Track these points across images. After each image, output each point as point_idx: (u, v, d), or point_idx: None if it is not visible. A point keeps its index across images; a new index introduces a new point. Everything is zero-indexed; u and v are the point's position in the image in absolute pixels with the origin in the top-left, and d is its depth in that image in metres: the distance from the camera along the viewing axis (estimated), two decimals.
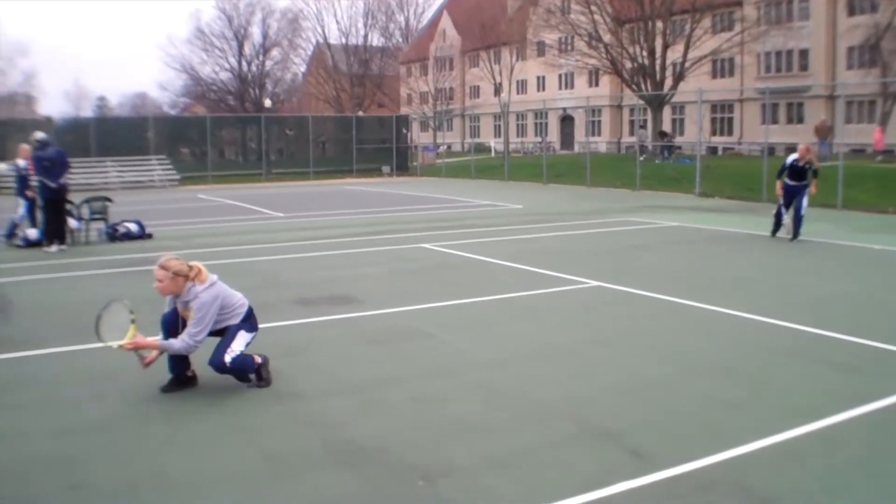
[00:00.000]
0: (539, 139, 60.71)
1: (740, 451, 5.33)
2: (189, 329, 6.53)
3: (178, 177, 40.24)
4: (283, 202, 27.48)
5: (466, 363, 7.59)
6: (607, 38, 46.86)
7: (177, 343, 6.52)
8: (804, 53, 51.44)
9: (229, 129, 53.83)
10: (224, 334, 6.76)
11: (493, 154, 59.75)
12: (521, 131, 72.92)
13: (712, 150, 49.53)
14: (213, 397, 6.65)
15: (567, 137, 68.63)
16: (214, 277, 6.74)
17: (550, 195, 29.14)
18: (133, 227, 17.52)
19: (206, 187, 37.26)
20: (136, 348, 6.48)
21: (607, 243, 15.62)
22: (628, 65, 46.89)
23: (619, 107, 65.09)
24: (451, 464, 5.21)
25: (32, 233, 16.45)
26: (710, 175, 28.56)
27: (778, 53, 52.09)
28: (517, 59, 66.81)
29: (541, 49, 58.59)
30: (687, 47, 44.43)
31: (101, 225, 17.56)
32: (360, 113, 61.71)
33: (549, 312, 9.83)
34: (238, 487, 4.95)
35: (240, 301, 6.91)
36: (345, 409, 6.33)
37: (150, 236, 17.43)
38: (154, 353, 6.61)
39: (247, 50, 78.42)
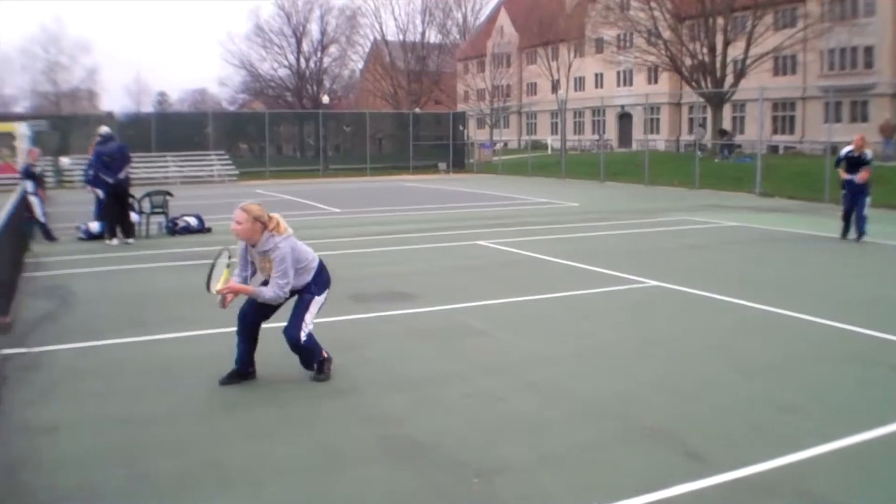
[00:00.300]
0: (596, 136, 60.36)
1: (801, 456, 5.23)
2: (276, 280, 6.58)
3: (236, 172, 40.74)
4: (339, 198, 27.66)
5: (521, 361, 7.57)
6: (667, 34, 46.41)
7: (267, 292, 6.59)
8: (869, 50, 50.36)
9: (287, 126, 54.36)
10: (299, 300, 6.84)
11: (549, 151, 59.55)
12: (579, 129, 72.51)
13: (773, 149, 48.77)
14: (270, 390, 6.73)
15: (625, 135, 68.06)
16: (291, 231, 6.82)
17: (607, 193, 28.95)
18: (192, 221, 17.77)
19: (263, 183, 37.65)
20: (233, 293, 6.63)
21: (665, 242, 15.47)
22: (688, 62, 46.40)
23: (679, 104, 64.40)
24: (505, 461, 5.20)
25: (94, 226, 16.76)
26: (770, 174, 28.13)
27: (842, 50, 51.08)
28: (575, 56, 66.44)
29: (599, 45, 58.23)
30: (748, 44, 43.80)
31: (160, 219, 17.84)
32: (417, 110, 61.87)
33: (605, 311, 9.77)
34: (295, 480, 5.00)
35: (311, 256, 6.99)
36: (400, 404, 6.36)
37: (209, 230, 17.66)
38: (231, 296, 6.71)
39: (305, 47, 78.98)
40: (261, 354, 6.92)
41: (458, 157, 48.02)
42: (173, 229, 17.50)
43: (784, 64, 54.36)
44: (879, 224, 16.88)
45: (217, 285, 6.66)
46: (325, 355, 7.00)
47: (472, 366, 7.42)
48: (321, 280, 7.00)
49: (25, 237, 15.26)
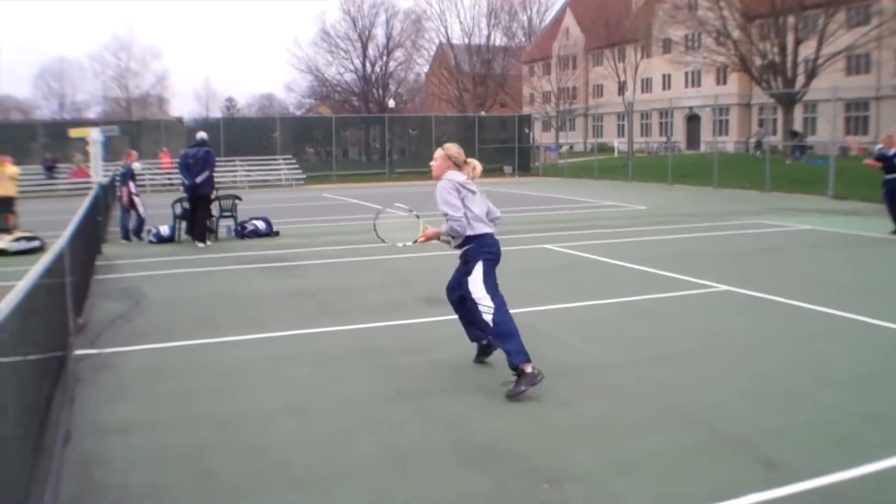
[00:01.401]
0: (664, 139, 59.74)
1: (878, 467, 5.08)
2: (443, 211, 6.78)
3: (303, 176, 41.15)
4: (405, 201, 27.60)
5: (590, 365, 7.50)
6: (736, 34, 45.74)
7: (444, 227, 6.85)
8: None
9: (353, 130, 54.84)
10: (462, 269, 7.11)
11: (616, 154, 59.11)
12: (646, 131, 71.88)
13: (845, 151, 47.78)
14: (340, 392, 6.74)
15: (693, 137, 67.31)
16: (474, 186, 6.99)
17: (675, 196, 28.60)
18: (261, 224, 17.98)
19: (330, 186, 37.98)
20: (428, 239, 7.13)
21: (735, 246, 15.20)
22: (758, 62, 45.66)
23: (748, 105, 63.46)
24: (575, 467, 5.14)
25: (164, 229, 17.08)
26: (843, 176, 27.50)
27: None
28: (642, 57, 65.95)
29: (667, 46, 57.70)
30: (820, 43, 42.94)
31: (230, 222, 18.08)
32: (483, 113, 61.88)
33: (676, 316, 9.62)
34: (365, 483, 5.00)
35: (464, 212, 6.86)
36: (470, 407, 6.33)
37: (277, 234, 17.84)
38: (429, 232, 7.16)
39: (371, 51, 79.70)
40: (332, 360, 6.94)
41: (523, 160, 47.92)
42: (242, 233, 17.73)
43: (857, 63, 53.25)
44: None
45: (416, 236, 7.26)
46: (529, 370, 6.60)
47: (541, 370, 7.34)
48: (481, 246, 7.08)
49: (98, 240, 15.60)
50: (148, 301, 10.77)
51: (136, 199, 17.97)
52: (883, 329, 8.66)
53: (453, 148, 7.00)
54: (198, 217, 16.59)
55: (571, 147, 64.20)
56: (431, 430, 5.87)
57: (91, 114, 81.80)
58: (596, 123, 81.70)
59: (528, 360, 6.61)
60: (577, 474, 5.04)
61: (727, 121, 64.14)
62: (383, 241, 7.36)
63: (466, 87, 79.80)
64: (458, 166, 6.92)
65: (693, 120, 68.05)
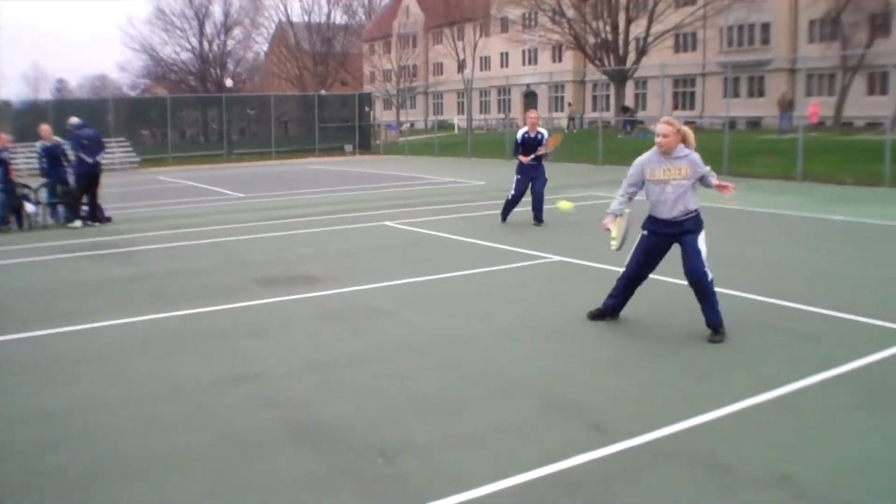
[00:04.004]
0: (502, 116, 60.68)
1: (697, 421, 5.39)
2: (706, 171, 7.42)
3: (138, 159, 39.83)
4: (244, 182, 27.29)
5: (430, 340, 7.58)
6: (570, 13, 46.79)
7: (712, 178, 7.48)
8: (766, 27, 51.69)
9: (190, 110, 53.30)
10: (691, 242, 7.41)
11: (456, 131, 59.62)
12: (485, 108, 72.79)
13: None
14: (176, 379, 6.58)
15: None
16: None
17: (513, 171, 29.09)
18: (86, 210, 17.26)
19: (166, 169, 36.90)
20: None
21: (568, 217, 15.56)
22: (591, 40, 46.90)
23: (583, 82, 65.10)
24: (413, 441, 5.20)
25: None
26: None
27: (740, 27, 52.30)
28: (481, 36, 66.69)
29: (504, 25, 58.57)
30: (650, 22, 44.48)
31: (60, 209, 17.32)
32: (323, 91, 61.30)
33: (513, 288, 9.84)
34: (202, 470, 4.91)
35: None
36: (308, 388, 6.30)
37: (108, 220, 17.21)
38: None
39: (208, 29, 77.48)
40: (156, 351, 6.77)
41: (364, 139, 47.73)
42: (72, 219, 16.99)
43: (685, 41, 55.42)
44: (777, 196, 17.31)
45: (616, 232, 7.92)
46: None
47: (381, 347, 7.39)
48: (701, 220, 7.55)
49: None
50: None
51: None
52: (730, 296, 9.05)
53: (677, 122, 7.52)
54: (91, 196, 16.99)
55: (412, 125, 64.36)
56: (269, 413, 5.80)
57: None
58: (436, 101, 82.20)
59: (722, 323, 7.30)
60: (413, 447, 5.09)
61: (563, 97, 65.72)
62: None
63: (307, 66, 78.76)
64: (685, 139, 7.47)
65: (530, 97, 69.28)
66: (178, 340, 7.78)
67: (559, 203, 8.98)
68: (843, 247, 12.27)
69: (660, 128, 7.44)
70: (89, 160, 17.00)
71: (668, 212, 7.44)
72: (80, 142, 17.16)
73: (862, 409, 5.63)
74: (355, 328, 8.08)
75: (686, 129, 7.51)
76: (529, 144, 14.94)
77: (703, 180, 7.46)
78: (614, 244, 7.93)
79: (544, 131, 15.16)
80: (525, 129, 15.11)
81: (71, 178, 17.22)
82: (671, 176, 7.38)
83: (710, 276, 7.29)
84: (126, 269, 11.56)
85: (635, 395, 5.98)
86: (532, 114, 15.40)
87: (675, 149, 7.39)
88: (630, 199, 7.80)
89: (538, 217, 14.83)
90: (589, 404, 5.78)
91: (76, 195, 17.05)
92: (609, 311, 7.99)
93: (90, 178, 17.02)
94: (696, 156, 7.43)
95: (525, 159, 14.85)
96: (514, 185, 15.11)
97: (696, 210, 7.45)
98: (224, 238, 14.24)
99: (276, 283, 10.30)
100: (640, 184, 7.64)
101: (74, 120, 17.91)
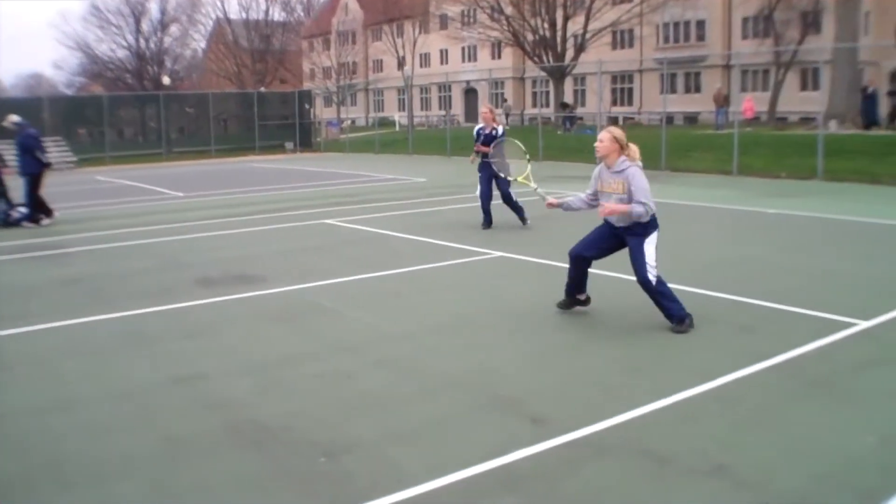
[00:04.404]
0: (443, 112, 60.76)
1: (637, 413, 5.47)
2: (638, 198, 7.23)
3: (74, 158, 39.09)
4: (183, 181, 26.96)
5: (372, 338, 7.57)
6: (509, 10, 47.06)
7: (638, 208, 7.23)
8: (701, 24, 52.54)
9: (127, 109, 52.41)
10: (635, 244, 7.43)
11: (397, 128, 59.58)
12: (426, 105, 72.83)
13: (613, 121, 50.25)
14: (112, 383, 6.49)
15: (471, 110, 68.68)
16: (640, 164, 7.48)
17: (455, 168, 29.14)
18: (26, 211, 16.93)
19: (104, 168, 36.31)
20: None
21: (509, 213, 15.65)
22: (530, 37, 47.24)
23: (522, 79, 65.52)
24: (354, 439, 5.20)
25: None
26: None
27: (676, 24, 53.08)
28: (420, 33, 66.70)
29: (444, 22, 58.66)
30: (587, 19, 44.94)
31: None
32: (262, 89, 60.80)
33: (454, 284, 9.87)
34: (140, 475, 4.84)
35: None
36: (248, 388, 6.26)
37: (51, 213, 16.94)
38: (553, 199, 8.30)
39: (144, 26, 76.55)
40: (87, 346, 6.68)
41: (304, 136, 47.42)
42: (7, 220, 16.64)
43: (622, 38, 56.12)
44: (714, 189, 17.56)
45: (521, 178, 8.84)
46: (686, 317, 7.37)
47: (322, 346, 7.37)
48: (653, 226, 7.49)
49: None
50: None
51: None
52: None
53: (619, 131, 7.50)
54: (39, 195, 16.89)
55: (353, 122, 64.21)
56: (209, 415, 5.75)
57: None
58: (377, 98, 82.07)
59: (686, 315, 7.35)
60: (354, 446, 5.09)
61: (503, 94, 66.03)
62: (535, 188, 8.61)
63: (245, 63, 78.10)
64: (622, 147, 7.40)
65: (471, 93, 69.52)
66: (115, 343, 7.66)
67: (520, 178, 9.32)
68: (777, 239, 12.50)
69: (599, 134, 7.56)
70: (45, 161, 17.06)
71: (615, 221, 7.56)
72: (36, 141, 17.11)
73: (796, 398, 5.76)
74: (296, 327, 8.05)
75: (629, 145, 7.46)
76: (486, 141, 14.64)
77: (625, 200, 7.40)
78: (533, 185, 8.92)
79: (500, 128, 14.38)
80: (481, 124, 14.76)
81: (8, 180, 16.96)
82: (613, 189, 7.45)
83: (654, 279, 7.34)
84: (62, 270, 11.37)
85: (572, 389, 6.06)
86: (483, 108, 15.08)
87: (614, 160, 7.43)
88: (588, 205, 7.91)
89: (520, 217, 14.48)
90: (527, 398, 5.83)
91: (35, 195, 16.85)
92: (568, 295, 8.09)
93: (38, 178, 16.88)
94: (634, 171, 7.34)
95: (483, 149, 14.30)
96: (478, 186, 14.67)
97: (646, 219, 7.41)
98: (163, 238, 14.07)
99: (216, 283, 10.21)
100: (596, 193, 7.73)
101: (15, 118, 17.46)
